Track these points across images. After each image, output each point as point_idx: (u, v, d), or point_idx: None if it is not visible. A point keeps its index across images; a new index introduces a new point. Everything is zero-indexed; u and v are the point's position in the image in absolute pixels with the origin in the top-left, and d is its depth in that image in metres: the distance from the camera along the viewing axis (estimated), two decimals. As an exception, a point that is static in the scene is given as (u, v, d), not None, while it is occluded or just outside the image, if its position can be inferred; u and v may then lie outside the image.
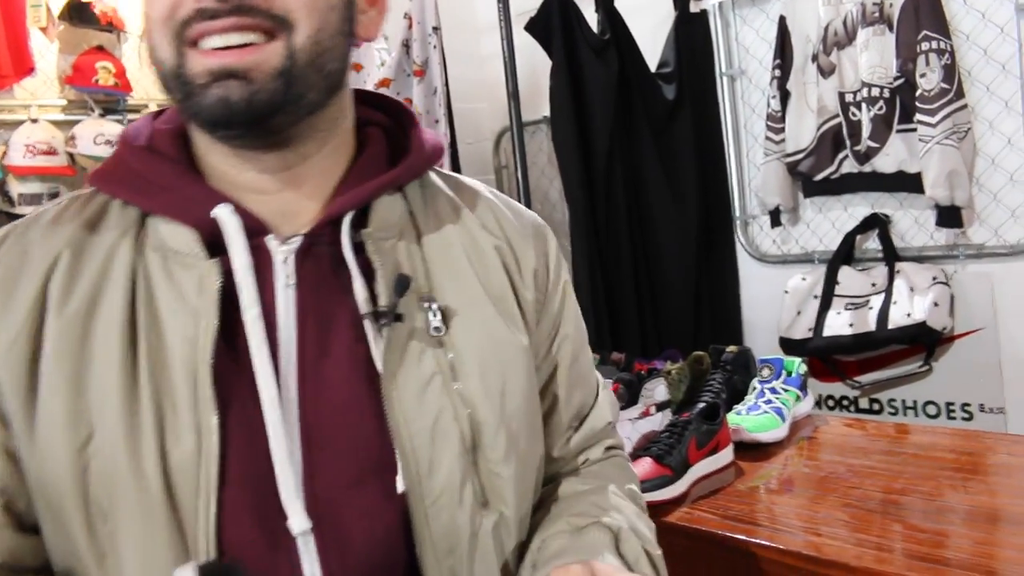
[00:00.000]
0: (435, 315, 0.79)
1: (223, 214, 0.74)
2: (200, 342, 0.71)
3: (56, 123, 2.62)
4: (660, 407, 1.60)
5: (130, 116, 2.75)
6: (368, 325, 0.76)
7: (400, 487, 0.74)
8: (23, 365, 0.72)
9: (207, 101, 0.70)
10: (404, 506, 0.74)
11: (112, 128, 2.63)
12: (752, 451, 1.64)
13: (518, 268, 0.88)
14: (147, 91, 2.85)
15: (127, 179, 0.78)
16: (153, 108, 2.79)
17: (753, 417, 1.68)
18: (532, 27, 2.46)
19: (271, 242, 0.76)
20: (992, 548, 1.18)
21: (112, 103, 2.73)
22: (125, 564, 0.69)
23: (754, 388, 1.77)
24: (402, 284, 0.78)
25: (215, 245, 0.74)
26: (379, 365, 0.75)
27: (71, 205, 0.79)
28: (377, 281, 0.77)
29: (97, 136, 2.60)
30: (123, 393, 0.70)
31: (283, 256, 0.76)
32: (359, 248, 0.78)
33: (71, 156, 2.62)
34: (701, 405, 1.60)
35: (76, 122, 2.64)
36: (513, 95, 2.32)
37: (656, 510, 1.39)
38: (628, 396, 1.59)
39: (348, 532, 0.73)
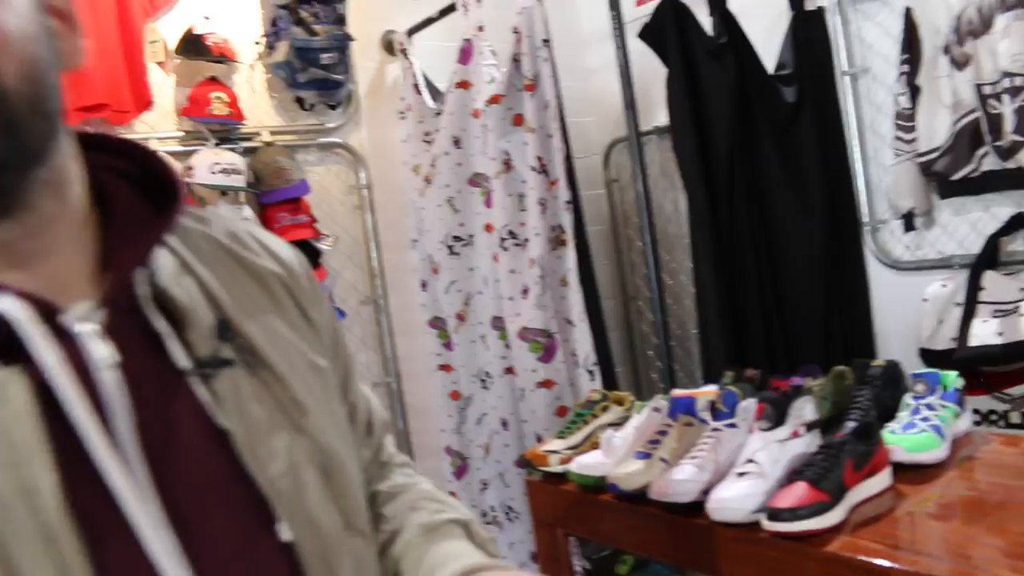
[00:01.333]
0: (252, 355, 0.73)
1: (9, 306, 0.59)
2: (37, 480, 0.57)
3: (174, 154, 2.68)
4: (810, 427, 1.50)
5: (244, 144, 2.79)
6: (195, 381, 0.68)
7: (285, 535, 0.68)
8: None
9: None
10: (292, 554, 0.69)
11: (227, 156, 2.67)
12: (910, 472, 1.52)
13: (300, 290, 0.83)
14: (259, 119, 2.89)
15: None
16: (265, 135, 2.83)
17: (911, 436, 1.56)
18: (646, 34, 2.39)
19: (71, 323, 0.62)
20: None
21: (226, 132, 2.77)
22: None
23: (907, 405, 1.65)
24: (222, 328, 0.72)
25: None
26: (221, 420, 0.68)
27: None
28: (190, 333, 0.69)
29: (213, 165, 2.64)
30: None
31: (94, 335, 0.63)
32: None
33: (189, 186, 2.66)
34: (852, 424, 1.50)
35: (193, 152, 2.69)
36: (629, 106, 2.24)
37: (815, 539, 1.30)
38: (776, 416, 1.49)
39: (257, 568, 0.68)
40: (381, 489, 0.92)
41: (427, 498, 0.91)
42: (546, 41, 2.47)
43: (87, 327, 0.63)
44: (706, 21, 2.50)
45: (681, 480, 1.52)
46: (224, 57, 2.75)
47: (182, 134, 2.76)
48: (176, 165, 2.62)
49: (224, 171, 2.66)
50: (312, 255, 2.83)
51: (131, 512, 0.60)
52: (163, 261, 0.71)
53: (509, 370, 2.77)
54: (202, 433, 0.67)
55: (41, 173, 0.64)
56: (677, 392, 1.75)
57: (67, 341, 0.61)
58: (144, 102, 2.64)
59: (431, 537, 0.86)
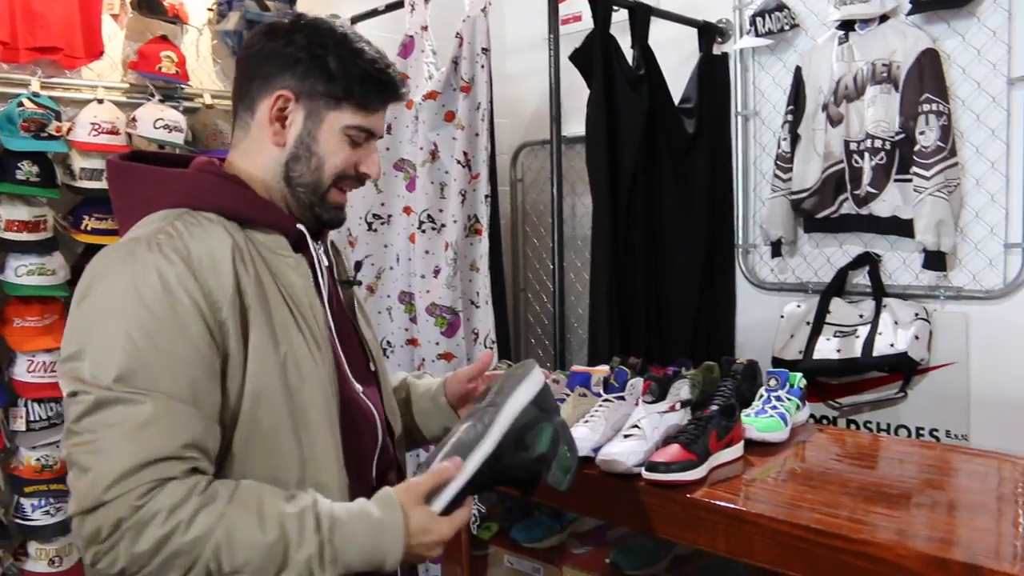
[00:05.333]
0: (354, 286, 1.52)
1: (304, 229, 1.33)
2: (315, 301, 1.30)
3: (117, 105, 2.80)
4: (683, 404, 1.84)
5: (186, 103, 2.94)
6: (341, 286, 1.46)
7: (373, 368, 1.45)
8: (239, 313, 1.18)
9: (332, 216, 1.37)
10: (376, 378, 1.45)
11: (171, 114, 2.81)
12: (759, 448, 1.89)
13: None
14: (202, 82, 3.05)
15: (237, 205, 1.28)
16: (207, 98, 2.99)
17: (762, 419, 1.93)
18: (575, 57, 2.69)
19: (317, 247, 1.37)
20: (954, 527, 1.48)
21: (170, 90, 2.92)
22: (311, 410, 1.24)
23: (761, 395, 2.02)
24: (358, 266, 1.57)
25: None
26: (351, 308, 1.47)
27: (187, 219, 1.22)
28: (341, 266, 1.49)
29: (157, 120, 2.78)
30: (294, 323, 1.25)
31: (321, 252, 1.39)
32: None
33: (129, 136, 2.80)
34: (717, 405, 1.84)
35: (135, 105, 2.83)
36: (555, 118, 2.54)
37: (682, 488, 1.63)
38: (659, 393, 1.83)
39: (371, 388, 1.40)
40: None
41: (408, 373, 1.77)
42: (485, 50, 2.74)
43: (321, 249, 1.39)
44: (628, 52, 2.82)
45: (576, 438, 1.83)
46: (177, 18, 2.90)
47: (127, 86, 2.89)
48: (119, 115, 2.76)
49: (166, 127, 2.80)
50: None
51: (331, 326, 1.34)
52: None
53: (411, 341, 3.03)
54: (344, 310, 1.44)
55: None
56: (576, 368, 2.07)
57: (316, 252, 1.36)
58: (95, 51, 2.77)
59: (418, 377, 1.74)
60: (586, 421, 1.88)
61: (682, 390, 1.85)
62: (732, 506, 1.56)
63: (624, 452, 1.73)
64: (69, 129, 2.69)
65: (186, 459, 1.08)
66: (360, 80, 1.31)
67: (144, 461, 1.04)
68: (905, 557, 1.33)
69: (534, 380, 1.38)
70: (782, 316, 2.86)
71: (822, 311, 2.79)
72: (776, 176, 2.91)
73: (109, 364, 1.07)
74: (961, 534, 1.44)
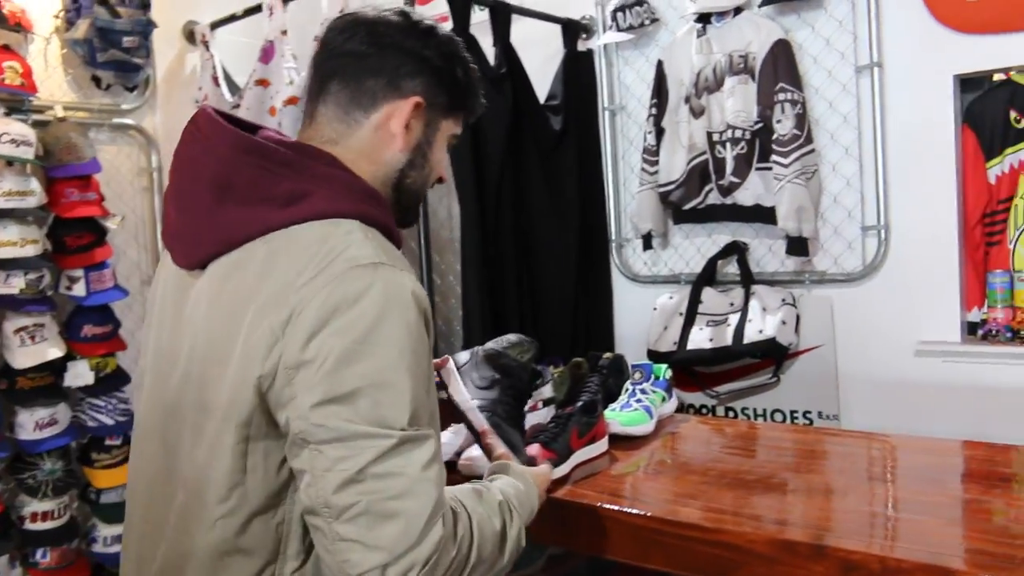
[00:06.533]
0: None
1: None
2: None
3: (-42, 119, 2.64)
4: (546, 403, 1.83)
5: (34, 116, 2.80)
6: None
7: None
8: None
9: (414, 220, 1.37)
10: None
11: (17, 128, 2.65)
12: (624, 442, 1.88)
13: None
14: (52, 93, 2.91)
15: (385, 219, 1.21)
16: (58, 110, 2.85)
17: (626, 413, 1.92)
18: (436, 58, 2.66)
19: None
20: (825, 511, 1.49)
21: (16, 103, 2.76)
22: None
23: (627, 389, 2.02)
24: None
25: None
26: None
27: (378, 236, 1.16)
28: None
29: (2, 135, 2.61)
30: None
31: None
32: None
33: (-27, 152, 2.65)
34: (580, 402, 1.83)
35: (-22, 120, 2.68)
36: (417, 119, 2.50)
37: (543, 488, 1.61)
38: (520, 393, 1.81)
39: None
40: None
41: None
42: (345, 52, 2.68)
43: None
44: (489, 51, 2.80)
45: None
46: (20, 26, 2.75)
47: (-33, 99, 2.74)
48: (-40, 130, 2.60)
49: (12, 141, 2.64)
50: (98, 233, 2.87)
51: None
52: None
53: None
54: None
55: None
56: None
57: None
58: (-71, 63, 2.61)
59: None
60: (450, 425, 1.85)
61: (544, 389, 1.84)
62: (589, 503, 1.54)
63: (484, 455, 1.70)
64: (-95, 147, 2.52)
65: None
66: (474, 93, 1.34)
67: (440, 496, 1.06)
68: (755, 542, 1.34)
69: None
70: (655, 308, 2.88)
71: (694, 301, 2.81)
72: (643, 170, 2.93)
73: (401, 404, 1.05)
74: (824, 516, 1.46)
